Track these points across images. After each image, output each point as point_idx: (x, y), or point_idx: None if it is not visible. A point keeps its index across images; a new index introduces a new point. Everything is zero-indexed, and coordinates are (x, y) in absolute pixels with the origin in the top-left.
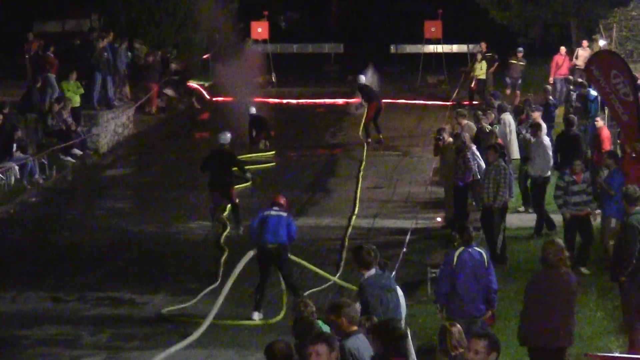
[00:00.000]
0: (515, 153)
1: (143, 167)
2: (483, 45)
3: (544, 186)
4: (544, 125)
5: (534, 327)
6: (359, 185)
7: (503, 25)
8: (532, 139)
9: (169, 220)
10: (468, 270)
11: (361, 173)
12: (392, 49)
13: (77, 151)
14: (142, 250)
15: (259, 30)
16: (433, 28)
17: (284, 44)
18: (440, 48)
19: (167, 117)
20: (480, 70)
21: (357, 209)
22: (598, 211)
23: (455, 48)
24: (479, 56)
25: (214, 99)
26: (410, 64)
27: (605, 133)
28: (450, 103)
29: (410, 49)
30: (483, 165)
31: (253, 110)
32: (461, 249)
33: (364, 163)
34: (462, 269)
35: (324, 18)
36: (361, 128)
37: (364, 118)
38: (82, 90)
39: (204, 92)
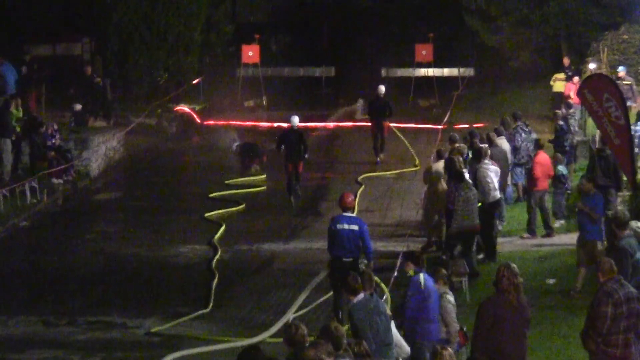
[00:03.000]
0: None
1: (134, 190)
2: (566, 60)
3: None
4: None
5: (484, 354)
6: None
7: (494, 48)
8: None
9: (160, 243)
10: (433, 293)
11: (358, 196)
12: (384, 72)
13: (67, 176)
14: (133, 273)
15: (250, 53)
16: (424, 51)
17: (275, 68)
18: (431, 71)
19: (157, 141)
20: (559, 83)
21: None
22: None
23: (446, 72)
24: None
25: (204, 122)
26: (402, 88)
27: (540, 159)
28: (442, 126)
29: (401, 72)
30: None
31: (236, 143)
32: (423, 273)
33: (362, 187)
34: (430, 292)
35: (316, 41)
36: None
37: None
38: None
39: (195, 116)
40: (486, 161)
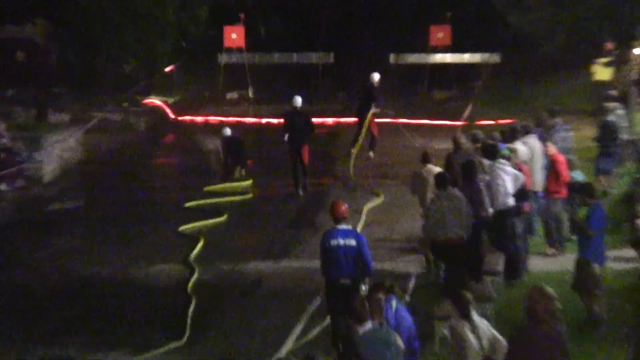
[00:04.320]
0: (537, 184)
1: (95, 199)
2: (609, 44)
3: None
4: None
5: None
6: (362, 221)
7: (523, 31)
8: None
9: (127, 262)
10: (405, 321)
11: (366, 208)
12: (392, 58)
13: (16, 182)
14: (95, 298)
15: (234, 36)
16: (440, 34)
17: (263, 53)
18: (449, 57)
19: (124, 140)
20: (601, 71)
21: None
22: None
23: (466, 58)
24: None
25: (179, 118)
26: (414, 77)
27: (561, 159)
28: (461, 123)
29: (413, 58)
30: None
31: (227, 131)
32: (395, 300)
33: (379, 199)
34: (401, 320)
35: (312, 22)
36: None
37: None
38: None
39: (168, 111)
40: (502, 161)
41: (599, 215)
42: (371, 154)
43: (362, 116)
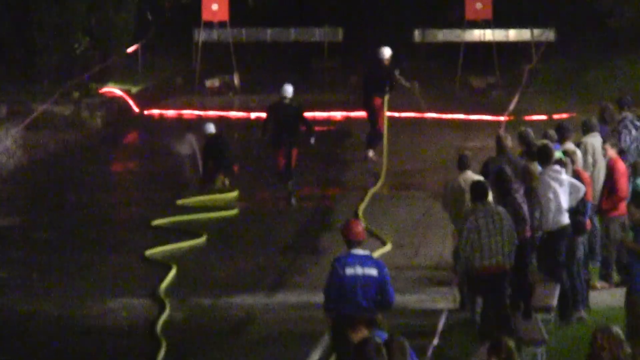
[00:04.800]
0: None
1: (38, 215)
2: None
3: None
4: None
5: None
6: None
7: (584, 1)
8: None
9: (79, 296)
10: None
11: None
12: (417, 35)
13: None
14: (36, 342)
15: (214, 7)
16: (479, 4)
17: (251, 29)
18: (489, 34)
19: (74, 139)
20: None
21: None
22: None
23: (512, 35)
24: None
25: (145, 112)
26: (445, 59)
27: (621, 167)
28: (506, 118)
29: (443, 35)
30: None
31: (211, 128)
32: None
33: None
34: None
35: None
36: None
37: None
38: None
39: (131, 102)
40: (556, 168)
41: None
42: (370, 153)
43: (370, 106)
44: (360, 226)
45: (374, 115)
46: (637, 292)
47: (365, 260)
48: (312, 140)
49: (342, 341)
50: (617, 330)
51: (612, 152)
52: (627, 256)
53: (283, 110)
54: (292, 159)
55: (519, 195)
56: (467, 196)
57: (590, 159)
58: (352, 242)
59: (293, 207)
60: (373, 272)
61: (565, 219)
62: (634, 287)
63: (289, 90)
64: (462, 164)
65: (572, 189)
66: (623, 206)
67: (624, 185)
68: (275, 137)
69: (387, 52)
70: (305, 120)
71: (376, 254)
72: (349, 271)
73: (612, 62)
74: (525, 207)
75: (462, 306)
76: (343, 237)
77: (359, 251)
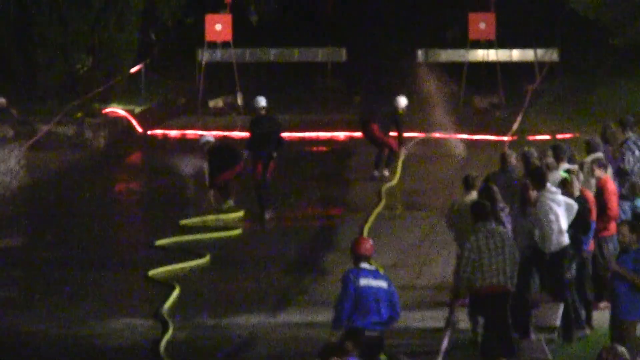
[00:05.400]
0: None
1: (41, 235)
2: None
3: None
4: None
5: None
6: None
7: (588, 20)
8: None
9: (81, 316)
10: None
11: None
12: (420, 55)
13: None
14: None
15: (218, 27)
16: (482, 24)
17: (255, 49)
18: (493, 54)
19: (77, 159)
20: None
21: None
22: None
23: (516, 55)
24: None
25: (148, 132)
26: (449, 79)
27: (611, 186)
28: (509, 138)
29: (447, 55)
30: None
31: (209, 138)
32: None
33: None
34: None
35: (318, 9)
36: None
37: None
38: None
39: (134, 122)
40: (552, 189)
41: None
42: (386, 172)
43: (368, 135)
44: (370, 242)
45: (377, 139)
46: (623, 314)
47: (376, 273)
48: (275, 154)
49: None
50: (622, 349)
51: (599, 172)
52: (611, 279)
53: (263, 123)
54: (268, 169)
55: (504, 215)
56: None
57: (593, 180)
58: (361, 257)
59: (266, 221)
60: (384, 284)
61: (566, 239)
62: (619, 311)
63: (262, 101)
64: (468, 184)
65: (567, 207)
66: (614, 226)
67: (615, 204)
68: (255, 148)
69: (402, 101)
70: (280, 131)
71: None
72: (364, 282)
73: (616, 82)
74: (509, 227)
75: (446, 325)
76: (353, 253)
77: (367, 265)
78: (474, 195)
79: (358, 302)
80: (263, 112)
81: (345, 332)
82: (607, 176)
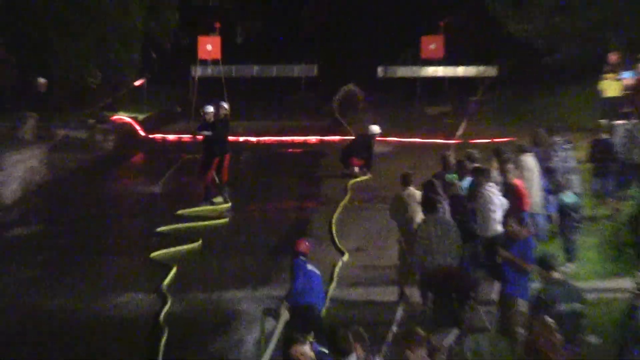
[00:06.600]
0: (535, 206)
1: (59, 223)
2: (612, 56)
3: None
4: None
5: None
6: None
7: (524, 41)
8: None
9: (94, 292)
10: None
11: (334, 230)
12: (380, 71)
13: None
14: (57, 333)
15: (209, 47)
16: (433, 45)
17: (240, 65)
18: (441, 71)
19: (89, 159)
20: (609, 85)
21: (335, 279)
22: None
23: (461, 71)
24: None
25: (150, 135)
26: (404, 91)
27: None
28: (455, 141)
29: (403, 71)
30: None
31: (211, 109)
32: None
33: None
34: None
35: (293, 32)
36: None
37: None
38: None
39: (138, 128)
40: (490, 184)
41: (533, 247)
42: (367, 174)
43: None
44: (306, 243)
45: (368, 150)
46: (510, 294)
47: (312, 263)
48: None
49: (304, 325)
50: (550, 319)
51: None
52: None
53: (211, 128)
54: (224, 167)
55: (443, 206)
56: (410, 208)
57: (526, 174)
58: (301, 253)
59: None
60: (317, 271)
61: (500, 227)
62: (508, 290)
63: (208, 108)
64: (405, 181)
65: (501, 203)
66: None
67: (523, 203)
68: (208, 151)
69: (375, 129)
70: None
71: (345, 257)
72: (310, 267)
73: (547, 95)
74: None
75: (400, 297)
76: (295, 250)
77: (304, 258)
78: (410, 190)
79: (309, 283)
80: (207, 116)
81: (299, 307)
82: (516, 178)
